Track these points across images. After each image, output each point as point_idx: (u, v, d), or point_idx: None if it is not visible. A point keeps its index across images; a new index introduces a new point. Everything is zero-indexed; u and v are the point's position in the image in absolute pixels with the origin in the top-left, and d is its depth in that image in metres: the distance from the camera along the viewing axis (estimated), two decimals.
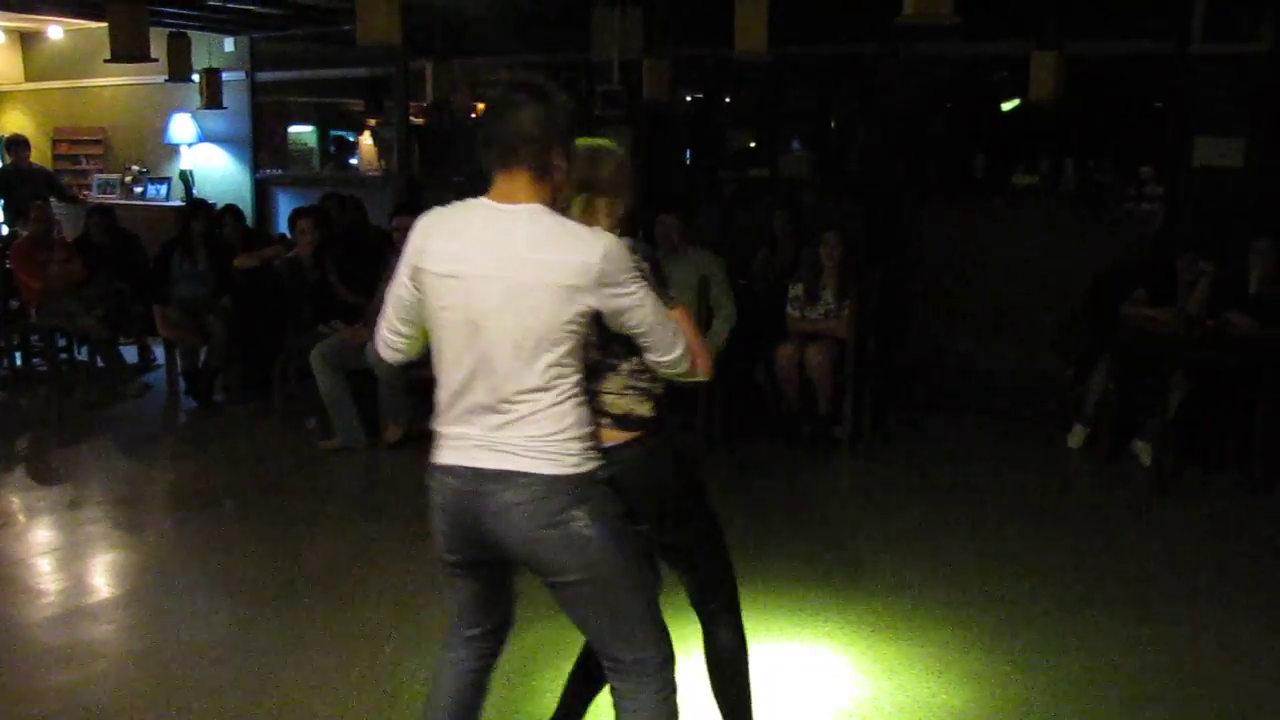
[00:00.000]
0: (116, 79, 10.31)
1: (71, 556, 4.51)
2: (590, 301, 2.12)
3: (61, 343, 7.56)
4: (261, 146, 10.25)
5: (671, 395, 2.48)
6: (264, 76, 10.08)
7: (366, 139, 10.55)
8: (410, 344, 2.35)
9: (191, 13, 8.38)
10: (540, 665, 3.36)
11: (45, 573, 4.29)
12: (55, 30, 10.76)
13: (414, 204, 6.37)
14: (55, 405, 6.87)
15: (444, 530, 2.28)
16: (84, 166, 11.02)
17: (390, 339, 2.35)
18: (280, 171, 10.29)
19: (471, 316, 2.13)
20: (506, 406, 2.14)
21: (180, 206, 9.22)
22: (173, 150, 10.40)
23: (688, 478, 2.53)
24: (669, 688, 2.33)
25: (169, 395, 7.13)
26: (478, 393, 2.16)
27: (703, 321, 5.57)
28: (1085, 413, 5.89)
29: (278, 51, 9.95)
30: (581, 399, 2.20)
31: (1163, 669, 3.50)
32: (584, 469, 2.18)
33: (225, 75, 9.43)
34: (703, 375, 2.35)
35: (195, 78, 8.87)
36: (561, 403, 2.15)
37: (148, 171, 10.54)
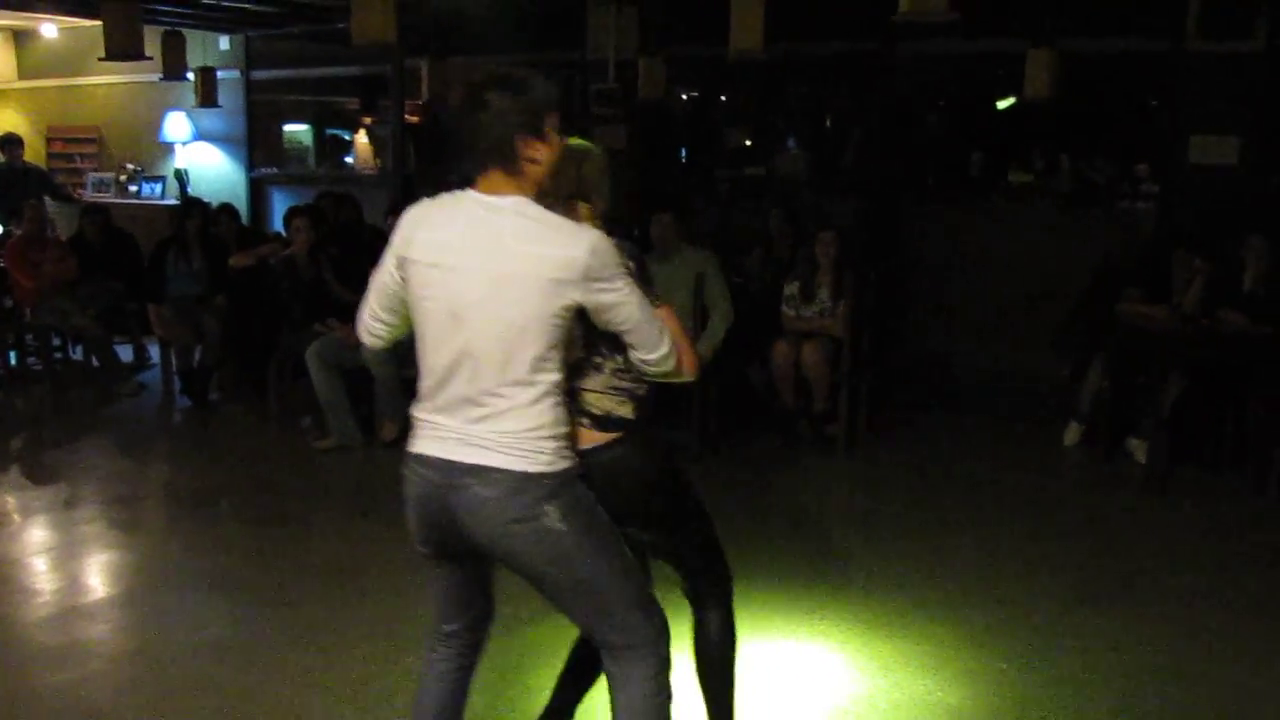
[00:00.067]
0: (111, 77, 10.29)
1: (67, 556, 4.50)
2: (575, 296, 2.11)
3: (56, 342, 7.56)
4: (256, 145, 10.22)
5: (665, 394, 2.48)
6: (259, 75, 10.05)
7: (362, 137, 10.54)
8: (391, 331, 2.36)
9: (186, 11, 8.37)
10: (534, 663, 3.36)
11: (40, 572, 4.29)
12: (49, 28, 10.73)
13: (409, 202, 6.33)
14: (50, 405, 6.85)
15: (417, 521, 2.28)
16: (78, 165, 10.98)
17: (371, 325, 2.36)
18: (275, 170, 10.27)
19: (454, 308, 2.13)
20: (486, 399, 2.14)
21: (175, 205, 9.18)
22: (167, 149, 10.38)
23: (672, 478, 2.52)
24: (663, 666, 2.32)
25: (164, 394, 7.11)
26: (458, 384, 2.16)
27: (699, 320, 5.57)
28: (1081, 410, 5.91)
29: (273, 50, 9.94)
30: (560, 399, 2.19)
31: (1159, 666, 3.50)
32: (557, 467, 2.17)
33: (220, 73, 9.40)
34: (688, 375, 2.33)
35: (190, 76, 8.82)
36: (539, 400, 2.15)
37: (142, 170, 10.52)
